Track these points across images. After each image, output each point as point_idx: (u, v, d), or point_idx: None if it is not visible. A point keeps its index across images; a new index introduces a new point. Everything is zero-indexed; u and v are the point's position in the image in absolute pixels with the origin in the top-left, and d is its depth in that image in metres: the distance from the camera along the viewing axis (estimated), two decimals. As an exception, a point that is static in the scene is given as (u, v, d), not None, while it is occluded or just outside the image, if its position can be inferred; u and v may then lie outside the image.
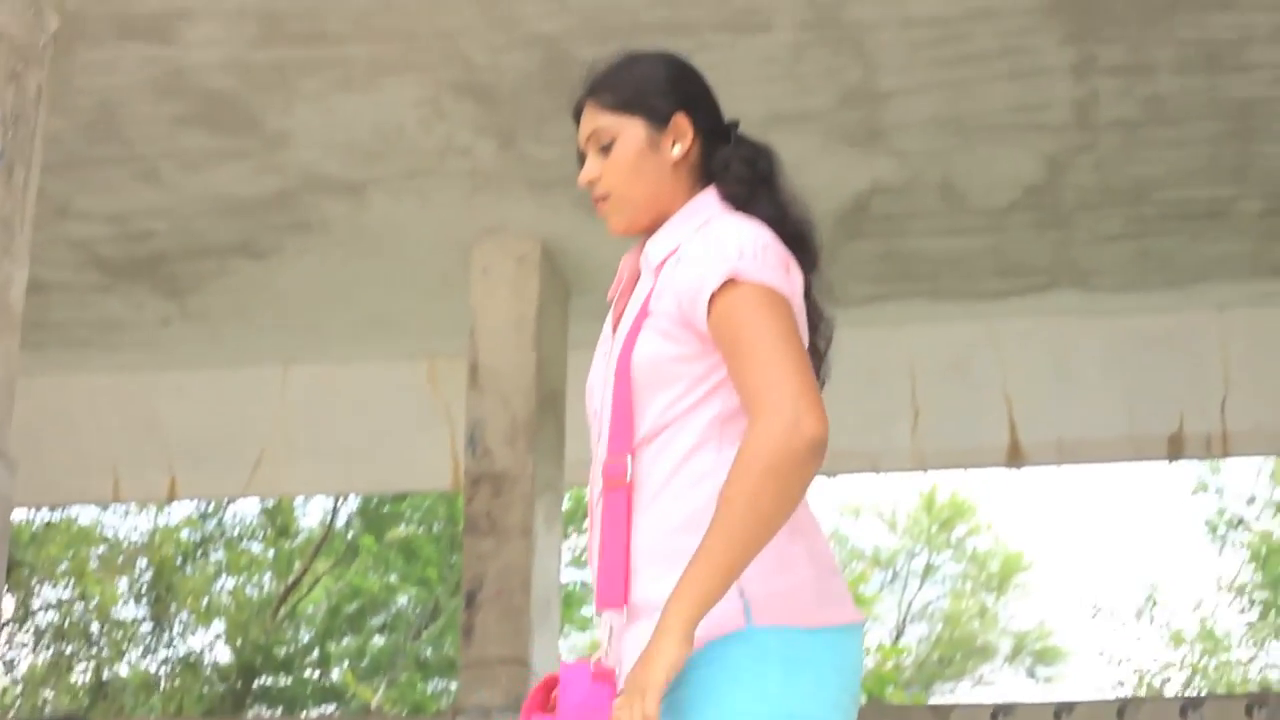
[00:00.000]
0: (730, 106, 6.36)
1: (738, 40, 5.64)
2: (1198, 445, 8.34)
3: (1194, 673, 23.23)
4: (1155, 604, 24.37)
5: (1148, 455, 8.50)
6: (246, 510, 19.61)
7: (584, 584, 19.67)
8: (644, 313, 2.68)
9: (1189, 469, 21.09)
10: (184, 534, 19.17)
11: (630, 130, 2.79)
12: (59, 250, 7.41)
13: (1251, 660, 22.93)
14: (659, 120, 2.80)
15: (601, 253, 7.31)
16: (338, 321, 8.28)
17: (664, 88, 2.83)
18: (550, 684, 2.60)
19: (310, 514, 20.16)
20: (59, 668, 18.27)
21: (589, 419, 2.80)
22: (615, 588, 2.64)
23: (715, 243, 2.63)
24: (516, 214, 7.04)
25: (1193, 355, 8.26)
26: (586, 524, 2.76)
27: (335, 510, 19.56)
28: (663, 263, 2.71)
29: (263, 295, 7.89)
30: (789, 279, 2.64)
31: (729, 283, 2.58)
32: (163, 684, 18.64)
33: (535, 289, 7.32)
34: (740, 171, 2.81)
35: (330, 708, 19.52)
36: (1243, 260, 7.63)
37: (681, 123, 2.81)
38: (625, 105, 2.80)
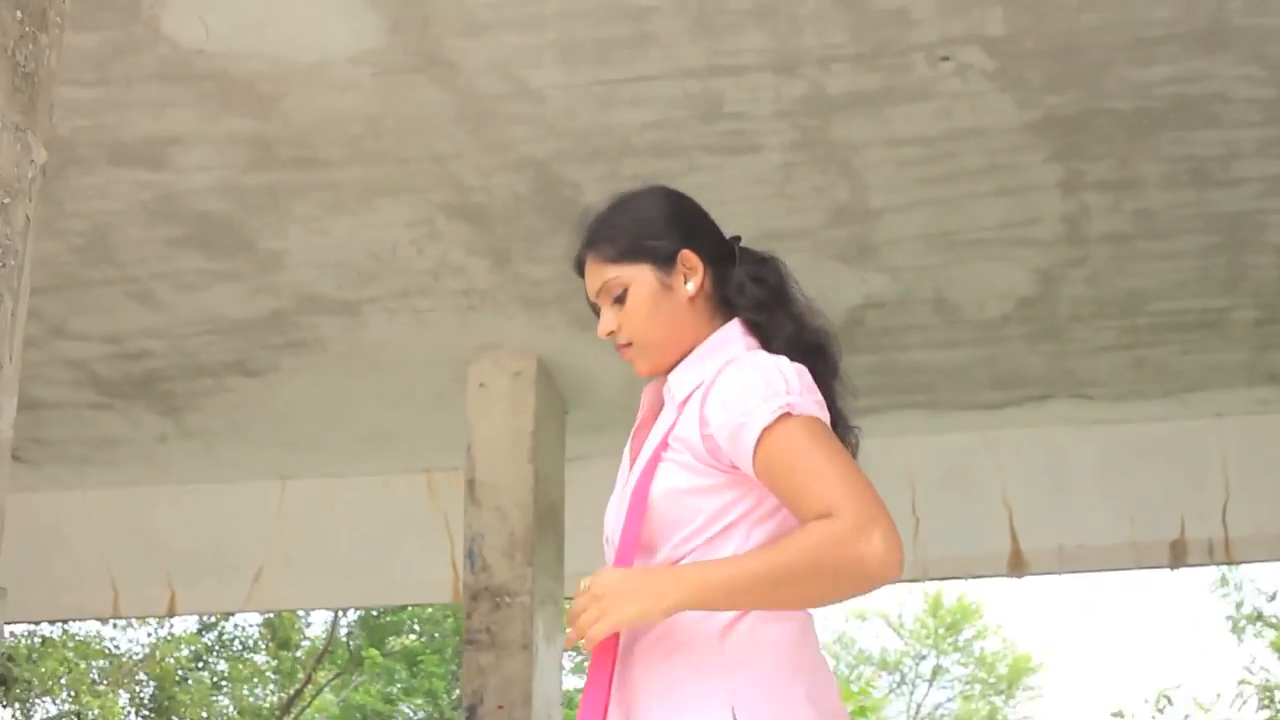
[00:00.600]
0: (722, 225, 6.42)
1: (727, 161, 5.67)
2: (1200, 552, 8.31)
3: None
4: (1170, 703, 24.14)
5: (1149, 563, 8.46)
6: (248, 620, 19.54)
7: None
8: (664, 445, 2.66)
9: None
10: (184, 648, 19.08)
11: (640, 278, 2.76)
12: (56, 369, 7.43)
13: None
14: (665, 262, 2.77)
15: (597, 368, 7.33)
16: (335, 437, 8.29)
17: (662, 227, 2.80)
18: None
19: (313, 623, 20.08)
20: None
21: (604, 545, 2.79)
22: (596, 714, 2.60)
23: (757, 378, 2.60)
24: (512, 331, 7.06)
25: (1192, 462, 8.25)
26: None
27: (336, 620, 19.47)
28: (688, 397, 2.69)
29: (259, 412, 7.91)
30: (824, 414, 2.63)
31: (782, 417, 2.54)
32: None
33: (532, 404, 7.33)
34: (755, 293, 2.80)
35: (335, 819, 19.36)
36: (1239, 368, 7.63)
37: (690, 258, 2.78)
38: (628, 254, 2.77)
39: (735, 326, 2.78)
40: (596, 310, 2.84)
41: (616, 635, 2.62)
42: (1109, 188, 5.96)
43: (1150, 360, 7.49)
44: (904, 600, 32.17)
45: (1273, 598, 22.30)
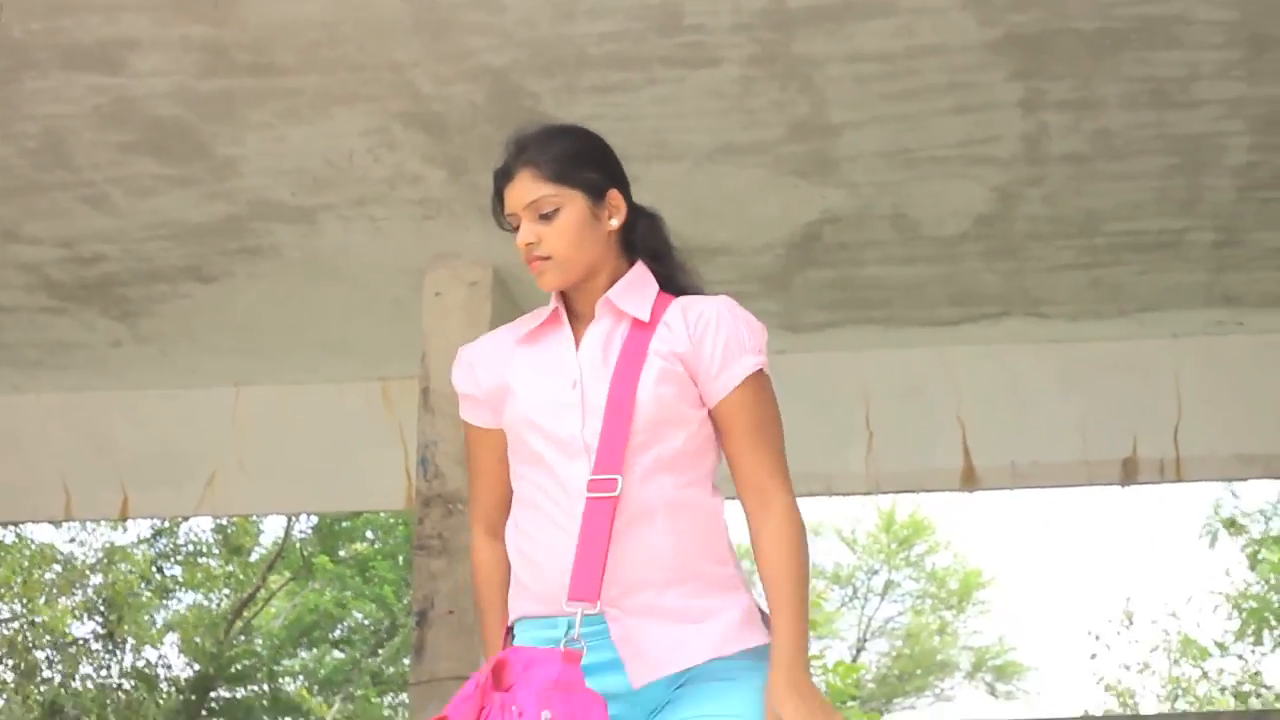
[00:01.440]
0: (681, 138, 6.37)
1: (687, 74, 5.63)
2: (1151, 470, 8.38)
3: (1174, 686, 23.05)
4: (1131, 620, 24.25)
5: (1101, 480, 8.52)
6: (204, 525, 19.56)
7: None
8: (648, 354, 2.98)
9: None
10: (139, 551, 19.10)
11: (573, 202, 3.02)
12: (8, 273, 7.37)
13: (1224, 673, 22.75)
14: (597, 195, 3.06)
15: (553, 279, 7.29)
16: (290, 344, 8.26)
17: (597, 164, 3.09)
18: (500, 666, 2.87)
19: (269, 529, 20.12)
20: (19, 681, 18.20)
21: (549, 434, 2.98)
22: (592, 584, 2.86)
23: (745, 327, 3.03)
24: (468, 241, 7.03)
25: (1146, 382, 8.29)
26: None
27: (290, 526, 19.51)
28: (657, 315, 3.02)
29: (214, 318, 7.87)
30: None
31: (760, 371, 3.00)
32: (119, 697, 18.56)
33: (487, 314, 7.32)
34: (653, 243, 3.15)
35: (287, 722, 19.46)
36: (1195, 290, 7.66)
37: (616, 197, 3.08)
38: (565, 178, 3.03)
39: (644, 267, 3.11)
40: (502, 220, 3.10)
41: (614, 509, 2.88)
42: (1069, 107, 5.96)
43: (1107, 280, 7.51)
44: (857, 515, 32.39)
45: (1271, 518, 22.09)
